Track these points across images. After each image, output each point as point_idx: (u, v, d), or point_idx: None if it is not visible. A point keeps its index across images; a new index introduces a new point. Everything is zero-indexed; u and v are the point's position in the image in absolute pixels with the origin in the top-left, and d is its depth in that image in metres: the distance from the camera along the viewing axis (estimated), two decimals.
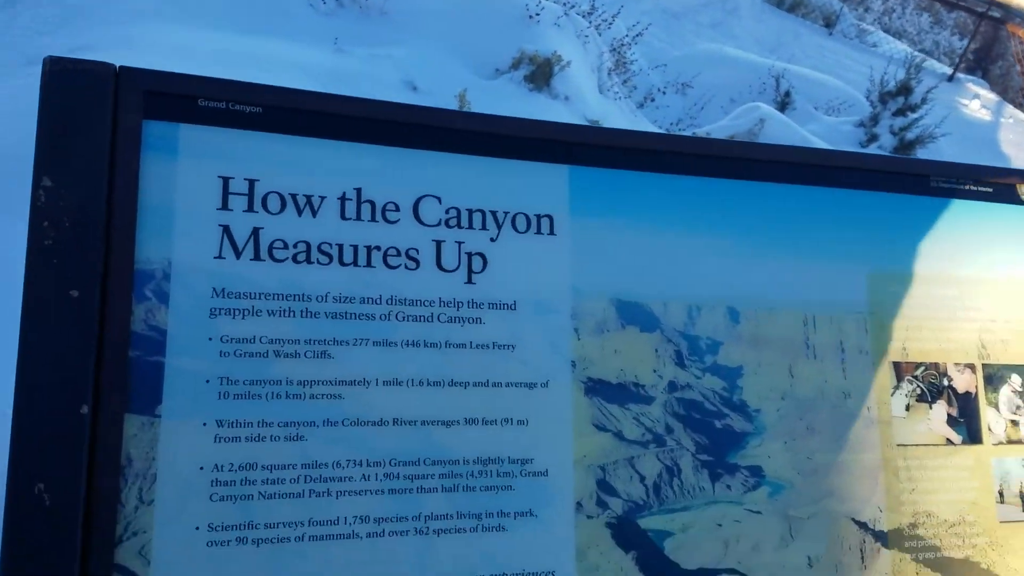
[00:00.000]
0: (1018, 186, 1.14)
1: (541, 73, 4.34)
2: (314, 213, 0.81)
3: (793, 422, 0.95)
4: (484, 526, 0.81)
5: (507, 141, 0.90)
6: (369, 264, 0.82)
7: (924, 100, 6.94)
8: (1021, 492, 1.03)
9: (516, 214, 0.89)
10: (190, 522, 0.71)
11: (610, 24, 5.83)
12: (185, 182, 0.78)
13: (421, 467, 0.80)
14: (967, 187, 1.10)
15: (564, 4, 5.14)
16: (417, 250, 0.84)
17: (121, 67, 0.80)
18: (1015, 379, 1.06)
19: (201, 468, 0.73)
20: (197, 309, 0.75)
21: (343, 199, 0.82)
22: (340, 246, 0.81)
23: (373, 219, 0.83)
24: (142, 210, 0.76)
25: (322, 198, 0.82)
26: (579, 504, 0.85)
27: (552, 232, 0.90)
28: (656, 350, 0.92)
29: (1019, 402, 1.06)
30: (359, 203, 0.83)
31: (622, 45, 5.99)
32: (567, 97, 4.39)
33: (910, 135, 6.82)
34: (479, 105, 3.64)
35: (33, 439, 0.68)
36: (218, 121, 0.81)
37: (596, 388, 0.89)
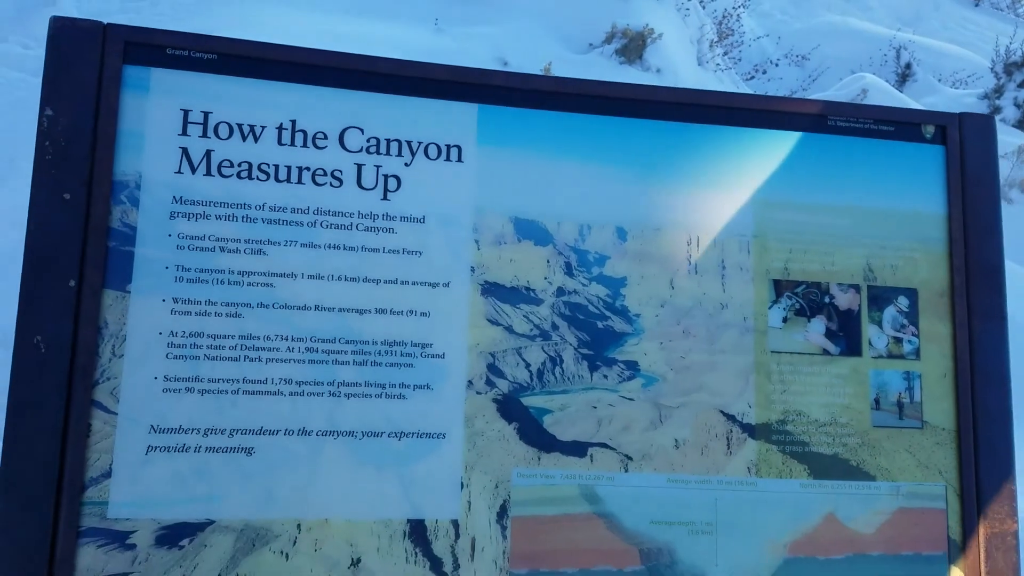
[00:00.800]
0: (923, 126, 1.26)
1: (633, 46, 4.49)
2: (256, 139, 1.04)
3: (670, 326, 1.12)
4: (387, 394, 1.03)
5: (423, 82, 1.11)
6: (300, 181, 1.05)
7: None
8: (899, 401, 1.17)
9: (429, 144, 1.10)
10: (150, 373, 0.96)
11: None
12: (154, 113, 1.02)
13: (337, 344, 1.02)
14: (867, 127, 1.23)
15: None
16: (341, 171, 1.06)
17: (108, 24, 1.05)
18: (902, 300, 1.19)
19: (160, 333, 0.97)
20: (160, 212, 1.00)
21: (280, 128, 1.05)
22: (276, 166, 1.04)
23: (305, 145, 1.06)
24: (120, 135, 1.01)
25: (263, 127, 1.05)
26: (470, 382, 1.05)
27: (460, 160, 1.10)
28: (548, 261, 1.11)
29: (904, 321, 1.19)
30: (293, 132, 1.06)
31: (726, 16, 6.04)
32: (659, 69, 4.54)
33: None
34: None
35: (33, 302, 0.94)
36: (182, 65, 1.05)
37: (491, 290, 1.09)
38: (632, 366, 1.10)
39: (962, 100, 6.71)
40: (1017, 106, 6.61)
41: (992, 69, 7.05)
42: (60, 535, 0.91)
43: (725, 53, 5.77)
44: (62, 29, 1.03)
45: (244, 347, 0.99)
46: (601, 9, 4.77)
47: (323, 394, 1.00)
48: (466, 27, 4.45)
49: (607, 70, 4.37)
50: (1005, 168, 5.63)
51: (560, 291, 1.11)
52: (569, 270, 1.11)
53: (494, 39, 4.40)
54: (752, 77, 5.96)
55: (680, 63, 4.82)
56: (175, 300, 0.98)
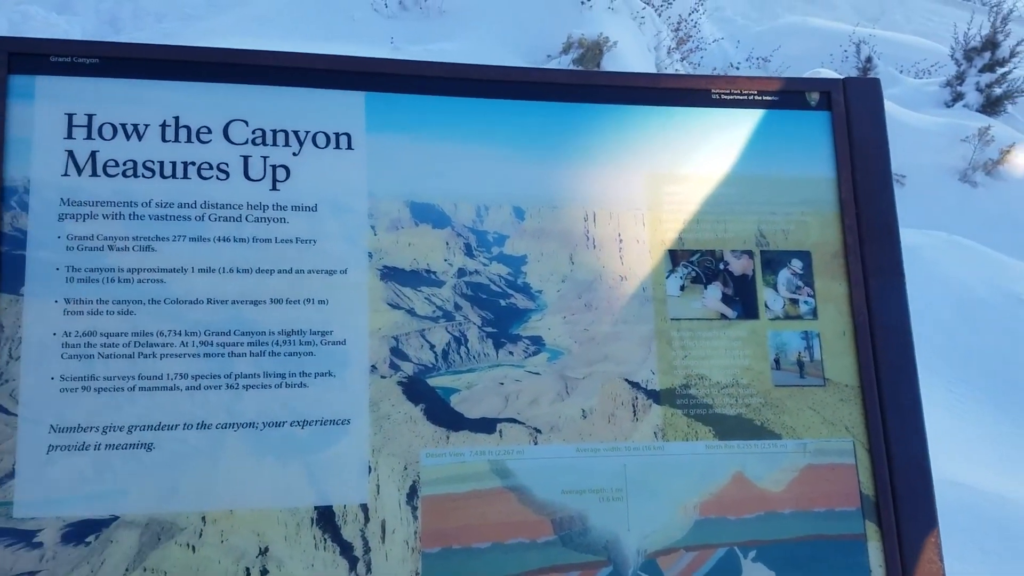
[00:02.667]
0: (807, 93, 1.43)
1: (590, 56, 4.75)
2: (140, 138, 1.15)
3: (572, 300, 1.26)
4: (287, 383, 1.14)
5: (308, 73, 1.24)
6: (186, 176, 1.16)
7: (1013, 54, 7.10)
8: (799, 360, 1.32)
9: (317, 132, 1.22)
10: (47, 373, 1.06)
11: (671, 3, 6.21)
12: (40, 119, 1.13)
13: (232, 336, 1.13)
14: (751, 97, 1.40)
15: None
16: (227, 164, 1.18)
17: None
18: (795, 263, 1.35)
19: (54, 334, 1.07)
20: (49, 215, 1.10)
21: (164, 126, 1.17)
22: (161, 163, 1.15)
23: (189, 140, 1.17)
24: (7, 142, 1.11)
25: (146, 125, 1.16)
26: (373, 367, 1.17)
27: (350, 147, 1.23)
28: (447, 243, 1.24)
29: (799, 283, 1.35)
30: (177, 128, 1.17)
31: (682, 22, 6.37)
32: None
33: (997, 91, 7.02)
34: None
35: None
36: (65, 71, 1.16)
37: (391, 274, 1.21)
38: (537, 341, 1.23)
39: (924, 89, 7.15)
40: (979, 90, 7.07)
41: (952, 56, 7.52)
42: None
43: (683, 58, 6.10)
44: None
45: (138, 344, 1.09)
46: (557, 20, 5.07)
47: (221, 387, 1.11)
48: (423, 44, 4.71)
49: None
50: (968, 151, 6.02)
51: (461, 272, 1.24)
52: (469, 251, 1.24)
53: (451, 55, 4.66)
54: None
55: (638, 69, 5.14)
56: (67, 300, 1.08)
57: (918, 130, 6.08)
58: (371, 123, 1.24)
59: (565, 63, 4.78)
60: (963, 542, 2.43)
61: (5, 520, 1.01)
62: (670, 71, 5.45)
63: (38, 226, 1.09)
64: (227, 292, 1.13)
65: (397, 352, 1.18)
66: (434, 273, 1.23)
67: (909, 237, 4.07)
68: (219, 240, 1.15)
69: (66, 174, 1.12)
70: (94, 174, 1.13)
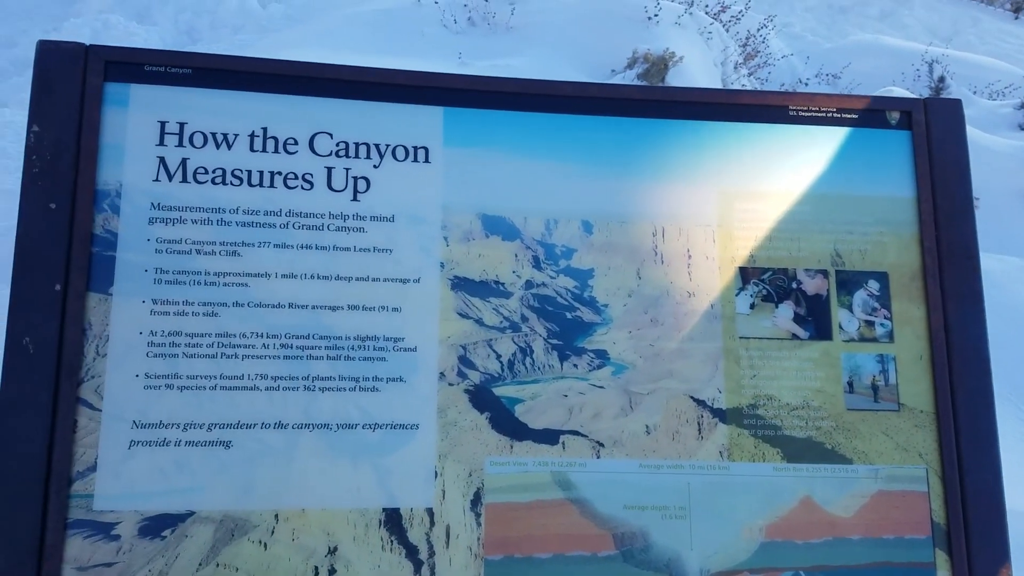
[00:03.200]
0: (887, 112, 1.40)
1: (655, 71, 4.78)
2: (229, 147, 1.20)
3: (638, 315, 1.26)
4: (361, 387, 1.16)
5: (389, 88, 1.27)
6: (272, 185, 1.20)
7: None
8: (873, 384, 1.29)
9: (396, 146, 1.25)
10: (132, 371, 1.11)
11: (739, 19, 6.20)
12: (133, 126, 1.19)
13: (310, 340, 1.16)
14: (829, 115, 1.38)
15: (688, 3, 5.59)
16: (311, 175, 1.22)
17: (90, 44, 1.22)
18: (872, 284, 1.32)
19: (140, 333, 1.12)
20: (140, 218, 1.15)
21: (252, 136, 1.21)
22: (249, 171, 1.20)
23: (276, 151, 1.21)
24: (102, 147, 1.17)
25: (235, 135, 1.21)
26: (442, 374, 1.19)
27: (427, 160, 1.26)
28: (516, 255, 1.26)
29: (875, 305, 1.32)
30: (265, 139, 1.22)
31: (751, 38, 6.35)
32: None
33: None
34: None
35: (23, 305, 1.09)
36: (158, 80, 1.21)
37: (461, 284, 1.23)
38: (601, 355, 1.24)
39: (998, 111, 6.92)
40: None
41: None
42: (49, 528, 1.04)
43: (751, 74, 6.05)
44: (47, 52, 1.20)
45: (221, 344, 1.13)
46: (622, 35, 5.11)
47: (298, 388, 1.14)
48: (490, 59, 4.80)
49: None
50: None
51: (528, 284, 1.25)
52: (537, 263, 1.26)
53: (517, 70, 4.75)
54: None
55: (704, 84, 5.13)
56: (155, 301, 1.13)
57: (992, 152, 5.88)
58: (448, 137, 1.26)
59: (630, 78, 4.79)
60: None
61: (85, 512, 1.06)
62: (736, 86, 5.42)
63: (129, 229, 1.15)
64: (307, 297, 1.17)
65: (465, 360, 1.20)
66: (502, 284, 1.24)
67: (984, 262, 3.93)
68: (301, 247, 1.18)
69: (157, 179, 1.17)
70: (184, 180, 1.18)
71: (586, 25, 5.23)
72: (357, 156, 1.24)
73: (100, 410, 1.08)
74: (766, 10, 7.00)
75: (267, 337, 1.15)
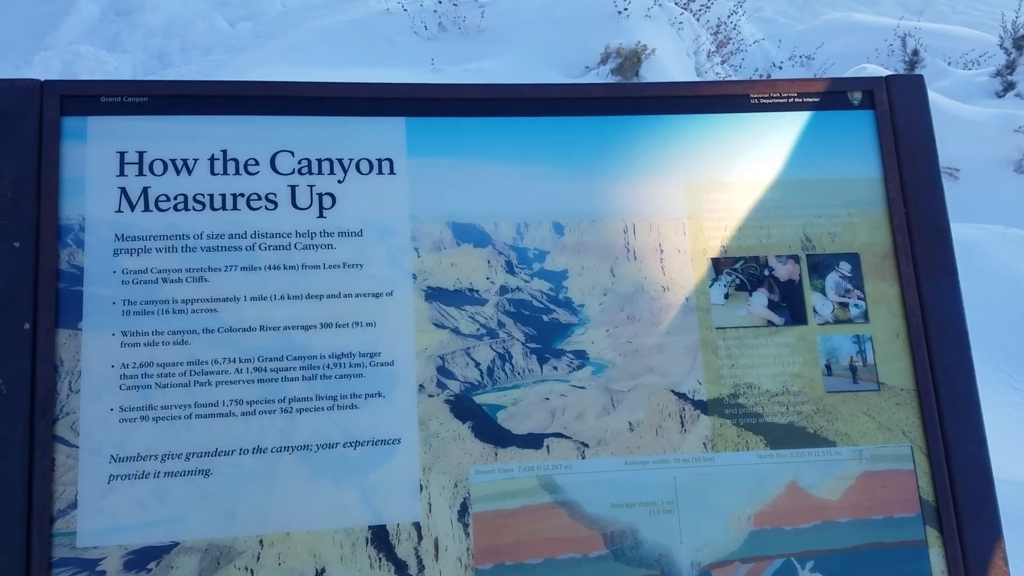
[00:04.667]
0: (849, 93, 1.41)
1: (629, 64, 4.81)
2: (189, 172, 1.20)
3: (614, 313, 1.26)
4: (339, 405, 1.16)
5: (350, 102, 1.27)
6: (235, 208, 1.20)
7: None
8: (851, 365, 1.30)
9: (360, 159, 1.25)
10: (106, 404, 1.10)
11: (708, 7, 6.23)
12: (93, 158, 1.18)
13: (284, 362, 1.16)
14: (791, 100, 1.39)
15: None
16: (275, 194, 1.22)
17: (44, 80, 1.22)
18: (844, 266, 1.33)
19: (112, 366, 1.12)
20: (104, 251, 1.15)
21: (212, 159, 1.21)
22: (211, 195, 1.20)
23: (237, 173, 1.21)
24: (63, 182, 1.16)
25: (195, 160, 1.20)
26: (421, 386, 1.19)
27: (392, 172, 1.26)
28: (488, 261, 1.26)
29: (848, 286, 1.33)
30: (225, 161, 1.21)
31: (721, 25, 6.39)
32: None
33: None
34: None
35: None
36: (115, 111, 1.21)
37: (435, 294, 1.23)
38: (580, 355, 1.24)
39: (974, 80, 6.99)
40: None
41: (1001, 46, 7.33)
42: (33, 568, 1.04)
43: (724, 61, 6.09)
44: (2, 91, 1.19)
45: (193, 372, 1.13)
46: (594, 32, 5.15)
47: (275, 411, 1.14)
48: (462, 64, 4.83)
49: None
50: (1021, 141, 5.83)
51: (503, 289, 1.25)
52: (510, 268, 1.26)
53: (491, 73, 4.77)
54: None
55: (677, 76, 5.16)
56: (124, 333, 1.13)
57: (970, 122, 5.92)
58: (412, 147, 1.27)
59: (604, 73, 4.83)
60: None
61: (69, 549, 1.06)
62: (710, 75, 5.46)
63: (94, 262, 1.14)
64: (278, 318, 1.17)
65: (443, 371, 1.20)
66: (477, 292, 1.25)
67: (965, 232, 3.96)
68: (269, 268, 1.18)
69: (119, 211, 1.17)
70: (146, 209, 1.18)
71: (557, 23, 5.26)
72: (320, 172, 1.24)
73: (77, 446, 1.08)
74: None
75: (240, 362, 1.15)
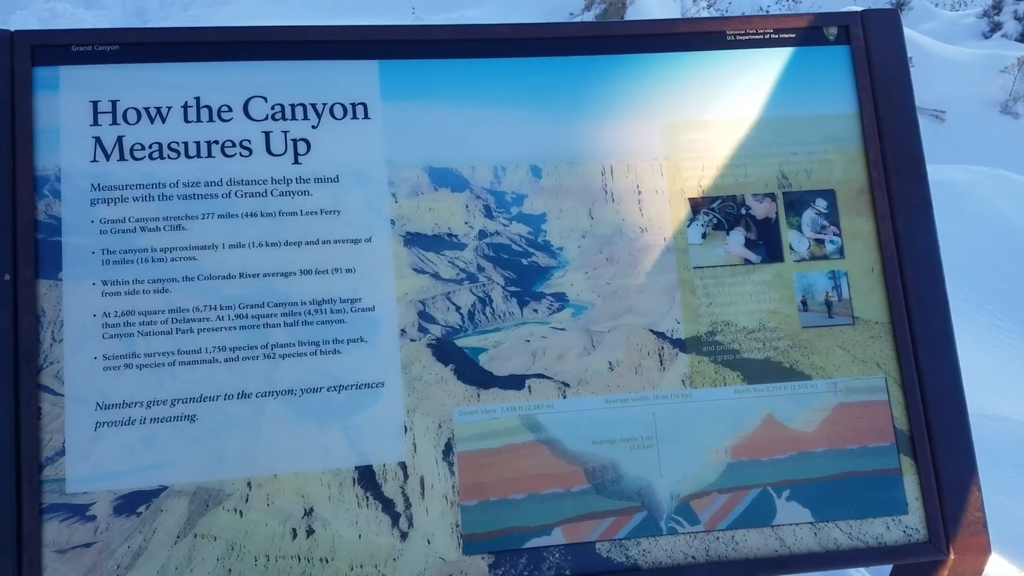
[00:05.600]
0: (824, 28, 1.41)
1: (614, 10, 4.72)
2: (163, 120, 1.19)
3: (593, 255, 1.28)
4: (321, 350, 1.18)
5: (322, 46, 1.26)
6: (210, 155, 1.20)
7: None
8: (827, 300, 1.32)
9: (333, 104, 1.25)
10: (89, 353, 1.12)
11: None
12: (66, 108, 1.17)
13: (266, 308, 1.17)
14: (767, 36, 1.38)
15: None
16: (249, 140, 1.21)
17: (15, 31, 1.20)
18: (819, 202, 1.35)
19: (94, 315, 1.13)
20: (81, 201, 1.15)
21: (185, 107, 1.20)
22: (185, 143, 1.19)
23: (211, 120, 1.21)
24: (36, 133, 1.16)
25: (168, 108, 1.20)
26: (403, 331, 1.21)
27: (367, 116, 1.26)
28: (466, 206, 1.27)
29: (824, 223, 1.34)
30: (198, 108, 1.21)
31: None
32: None
33: None
34: None
35: None
36: (87, 60, 1.20)
37: (414, 240, 1.24)
38: (560, 297, 1.26)
39: (960, 21, 6.92)
40: (1017, 19, 6.82)
41: None
42: (24, 514, 1.06)
43: (710, 6, 5.98)
44: None
45: (175, 320, 1.14)
46: None
47: (258, 357, 1.16)
48: (444, 12, 4.75)
49: None
50: (1008, 82, 5.81)
51: (482, 234, 1.26)
52: (488, 212, 1.27)
53: (473, 21, 4.69)
54: None
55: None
56: (104, 283, 1.13)
57: (956, 63, 5.88)
58: (386, 91, 1.26)
59: (589, 19, 4.77)
60: (1013, 477, 2.41)
61: (59, 496, 1.08)
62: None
63: (71, 212, 1.14)
64: (258, 266, 1.18)
65: (424, 315, 1.22)
66: (455, 236, 1.26)
67: (951, 173, 3.97)
68: (247, 216, 1.19)
69: (95, 160, 1.16)
70: (122, 158, 1.17)
71: None
72: (294, 118, 1.23)
73: (62, 395, 1.10)
74: None
75: (221, 309, 1.16)
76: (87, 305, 1.12)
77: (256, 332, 1.16)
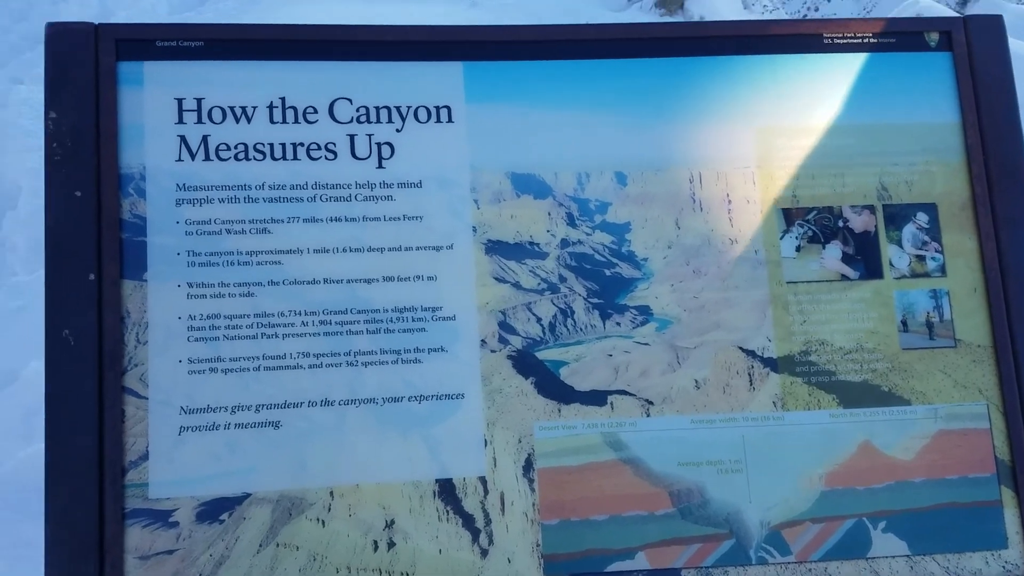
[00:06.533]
0: (926, 33, 1.35)
1: None
2: (248, 120, 1.19)
3: (679, 267, 1.24)
4: (403, 359, 1.16)
5: (406, 46, 1.24)
6: (296, 157, 1.19)
7: None
8: (928, 321, 1.27)
9: (418, 107, 1.23)
10: (174, 356, 1.11)
11: None
12: (151, 105, 1.17)
13: (349, 315, 1.16)
14: (865, 41, 1.33)
15: None
16: (334, 143, 1.20)
17: (99, 24, 1.20)
18: (921, 216, 1.29)
19: (179, 318, 1.12)
20: (167, 200, 1.15)
21: (271, 107, 1.19)
22: (271, 144, 1.18)
23: (296, 121, 1.20)
24: (121, 129, 1.16)
25: (254, 107, 1.19)
26: (483, 341, 1.19)
27: (451, 120, 1.23)
28: (549, 213, 1.24)
29: (925, 238, 1.29)
30: (284, 109, 1.20)
31: None
32: (701, 17, 4.76)
33: None
34: None
35: (58, 297, 1.09)
36: (172, 56, 1.19)
37: (495, 248, 1.22)
38: (644, 311, 1.22)
39: None
40: None
41: None
42: (107, 519, 1.06)
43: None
44: (56, 35, 1.18)
45: (260, 324, 1.13)
46: None
47: (341, 364, 1.14)
48: None
49: None
50: None
51: (564, 242, 1.23)
52: (571, 220, 1.24)
53: (529, 6, 4.71)
54: (803, 15, 6.11)
55: (724, 8, 5.04)
56: (190, 284, 1.13)
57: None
58: (470, 93, 1.24)
59: (647, 6, 4.72)
60: None
61: (141, 500, 1.08)
62: (758, 9, 5.27)
63: (157, 212, 1.14)
64: (341, 271, 1.16)
65: (505, 326, 1.19)
66: (537, 245, 1.23)
67: None
68: (331, 220, 1.17)
69: (180, 159, 1.16)
70: (207, 158, 1.17)
71: None
72: (379, 121, 1.22)
73: (147, 398, 1.09)
74: None
75: (305, 314, 1.15)
76: (172, 307, 1.12)
77: (340, 339, 1.15)
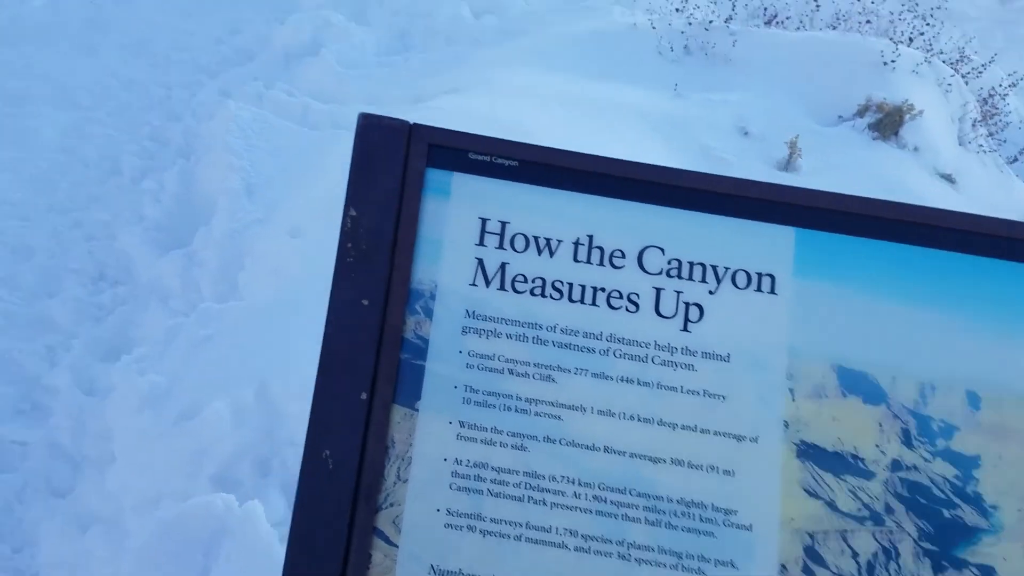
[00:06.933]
0: None
1: (889, 121, 4.58)
2: (551, 254, 1.08)
3: None
4: (684, 566, 0.97)
5: (733, 201, 1.11)
6: (594, 303, 1.06)
7: None
8: None
9: (737, 270, 1.08)
10: (433, 504, 0.98)
11: (980, 73, 5.83)
12: (454, 220, 1.09)
13: (627, 496, 0.99)
14: None
15: (927, 51, 5.35)
16: (638, 295, 1.06)
17: (413, 124, 1.15)
18: None
19: (445, 459, 0.99)
20: (453, 326, 1.04)
21: (576, 244, 1.08)
22: (571, 284, 1.07)
23: (601, 263, 1.08)
24: (419, 241, 1.08)
25: (559, 241, 1.08)
26: (783, 567, 0.97)
27: (773, 291, 1.07)
28: (880, 424, 1.03)
29: None
30: (590, 248, 1.08)
31: (992, 95, 5.94)
32: (916, 148, 4.61)
33: None
34: (813, 152, 4.09)
35: (325, 414, 1.00)
36: (483, 171, 1.12)
37: (809, 452, 1.02)
38: (988, 571, 0.97)
39: None
40: None
41: None
42: None
43: (990, 134, 5.54)
44: (369, 127, 1.13)
45: (529, 486, 0.99)
46: (854, 81, 4.91)
47: (612, 554, 0.97)
48: (706, 93, 4.71)
49: (858, 145, 4.48)
50: None
51: (896, 464, 1.02)
52: (907, 439, 1.02)
53: (735, 106, 4.63)
54: (1015, 160, 5.71)
55: (940, 142, 4.76)
56: (462, 424, 1.01)
57: None
58: (800, 266, 1.08)
59: (860, 126, 4.53)
60: None
61: None
62: (973, 147, 4.92)
63: (441, 336, 1.04)
64: (626, 442, 1.00)
65: (812, 553, 0.98)
66: (862, 460, 1.02)
67: None
68: (622, 380, 1.03)
69: (474, 284, 1.06)
70: (502, 287, 1.06)
71: (813, 65, 4.95)
72: (691, 278, 1.07)
73: (397, 546, 0.96)
74: (1011, 65, 6.33)
75: (579, 485, 0.99)
76: (440, 446, 1.00)
77: (613, 523, 0.98)
